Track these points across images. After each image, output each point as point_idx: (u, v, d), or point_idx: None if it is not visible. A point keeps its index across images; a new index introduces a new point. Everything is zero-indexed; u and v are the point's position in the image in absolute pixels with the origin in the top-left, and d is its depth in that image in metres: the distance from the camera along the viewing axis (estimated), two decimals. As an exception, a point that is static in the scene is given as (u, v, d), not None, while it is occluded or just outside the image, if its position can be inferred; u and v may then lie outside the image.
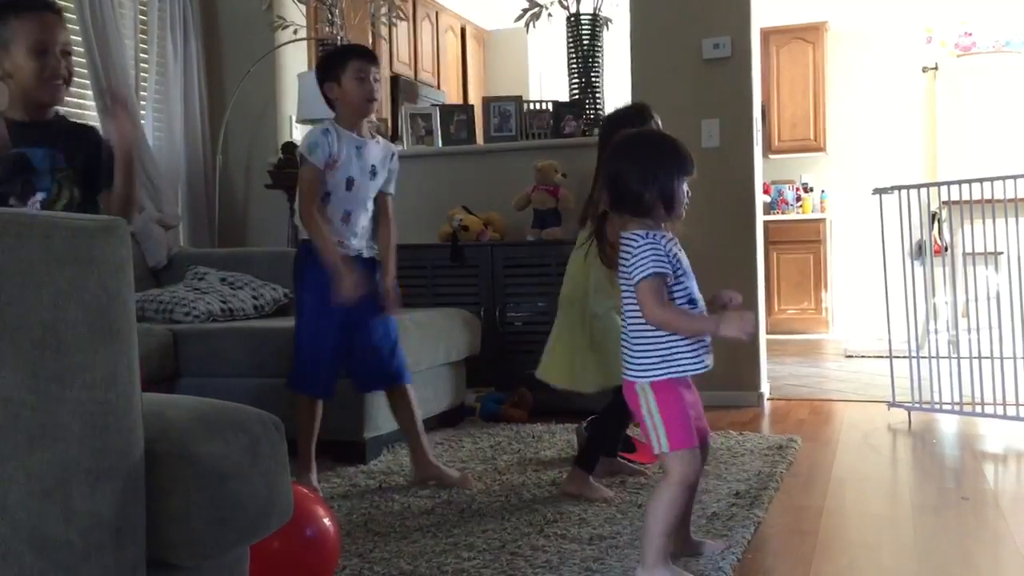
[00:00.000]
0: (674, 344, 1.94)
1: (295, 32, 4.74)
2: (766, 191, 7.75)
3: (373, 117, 3.25)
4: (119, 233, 1.03)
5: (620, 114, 2.87)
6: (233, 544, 1.19)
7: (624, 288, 1.98)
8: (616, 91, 5.22)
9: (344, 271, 2.66)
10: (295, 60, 4.94)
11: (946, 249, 5.05)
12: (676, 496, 1.94)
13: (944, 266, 4.63)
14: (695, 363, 1.96)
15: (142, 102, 4.35)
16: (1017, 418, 3.59)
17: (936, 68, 7.66)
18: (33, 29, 2.16)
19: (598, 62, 4.65)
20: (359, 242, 2.87)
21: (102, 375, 1.00)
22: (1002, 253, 4.48)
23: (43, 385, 0.94)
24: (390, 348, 2.88)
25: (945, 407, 3.80)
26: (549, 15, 4.77)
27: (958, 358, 3.81)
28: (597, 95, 4.66)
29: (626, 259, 1.94)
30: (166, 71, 4.52)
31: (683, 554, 2.12)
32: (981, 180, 3.68)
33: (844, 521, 2.52)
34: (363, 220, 2.86)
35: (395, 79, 6.26)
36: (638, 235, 1.94)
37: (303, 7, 4.83)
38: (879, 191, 3.94)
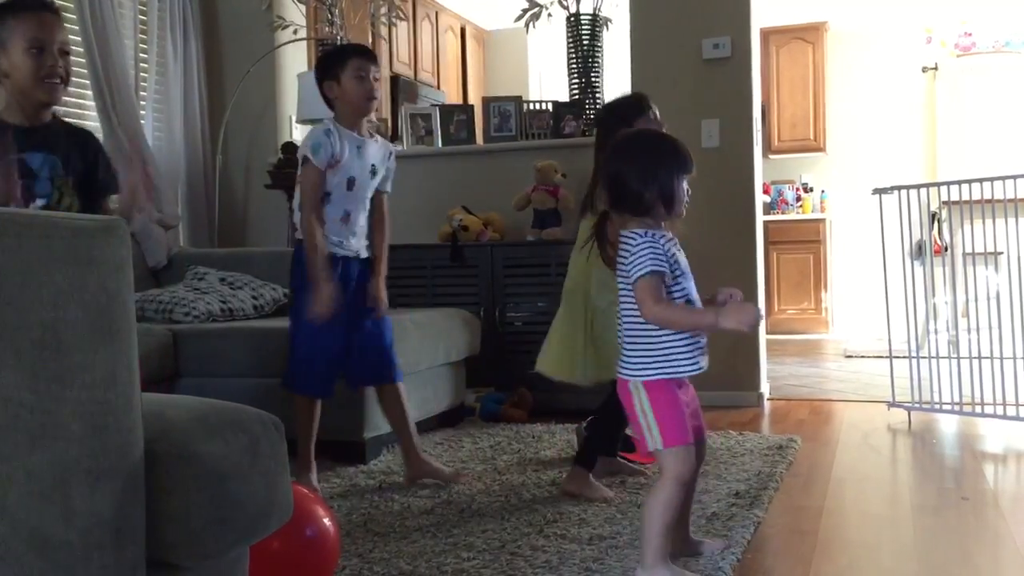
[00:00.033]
0: (669, 345, 1.94)
1: (295, 32, 4.74)
2: (766, 191, 7.75)
3: (373, 116, 3.25)
4: (119, 233, 1.03)
5: (619, 103, 2.89)
6: (233, 544, 1.19)
7: (621, 287, 1.98)
8: (616, 91, 5.21)
9: (324, 285, 2.67)
10: (295, 60, 4.94)
11: (946, 249, 5.05)
12: (671, 494, 1.94)
13: (944, 266, 4.63)
14: (690, 364, 1.96)
15: (142, 102, 4.35)
16: (1017, 418, 3.59)
17: (936, 68, 7.66)
18: (30, 28, 2.16)
19: (598, 62, 4.66)
20: (358, 242, 2.87)
21: (102, 375, 1.00)
22: (1002, 253, 4.48)
23: (43, 385, 0.94)
24: (383, 346, 2.89)
25: (945, 407, 3.80)
26: (549, 15, 4.77)
27: (958, 358, 3.81)
28: (597, 95, 4.66)
29: (624, 258, 1.95)
30: (166, 71, 4.52)
31: (683, 554, 2.12)
32: (981, 180, 3.68)
33: (844, 521, 2.52)
34: (361, 219, 2.87)
35: (395, 79, 6.26)
36: (637, 234, 1.94)
37: (303, 7, 4.83)
38: (879, 191, 3.94)
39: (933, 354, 3.93)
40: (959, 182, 3.79)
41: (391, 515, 2.53)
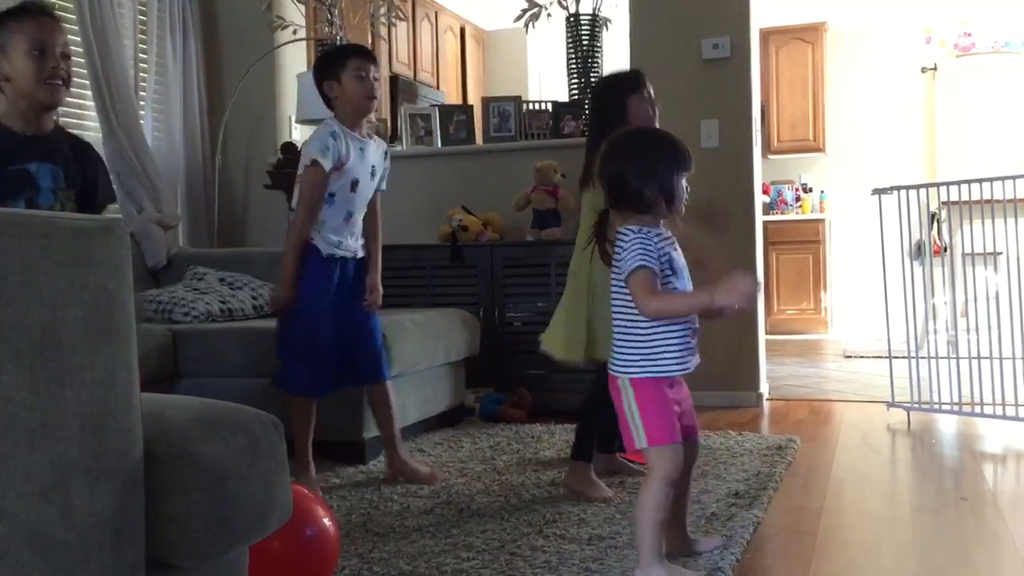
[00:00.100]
0: (659, 344, 1.94)
1: (294, 32, 4.74)
2: (765, 191, 7.75)
3: (373, 117, 3.26)
4: (118, 233, 1.03)
5: (616, 76, 2.95)
6: (232, 544, 1.19)
7: (615, 283, 1.98)
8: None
9: (289, 286, 2.76)
10: (294, 60, 4.94)
11: (945, 249, 5.05)
12: (659, 493, 1.94)
13: (943, 266, 4.63)
14: (678, 364, 1.96)
15: (141, 102, 4.35)
16: (1016, 418, 3.59)
17: (935, 68, 7.66)
18: (32, 30, 2.19)
19: (597, 62, 4.65)
20: (356, 242, 2.89)
21: (101, 375, 1.00)
22: (1001, 253, 4.48)
23: (42, 385, 0.94)
24: (375, 345, 2.91)
25: (944, 407, 3.80)
26: (548, 15, 4.77)
27: (957, 358, 3.81)
28: (596, 95, 4.65)
29: (618, 254, 1.95)
30: (165, 71, 4.51)
31: (682, 553, 2.12)
32: (980, 180, 3.69)
33: (843, 521, 2.52)
34: (360, 220, 2.89)
35: (394, 79, 6.25)
36: (631, 230, 1.95)
37: (302, 7, 4.83)
38: (878, 191, 3.95)
39: (932, 354, 3.93)
40: (958, 182, 3.79)
41: (390, 515, 2.53)
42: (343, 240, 2.82)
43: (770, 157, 7.74)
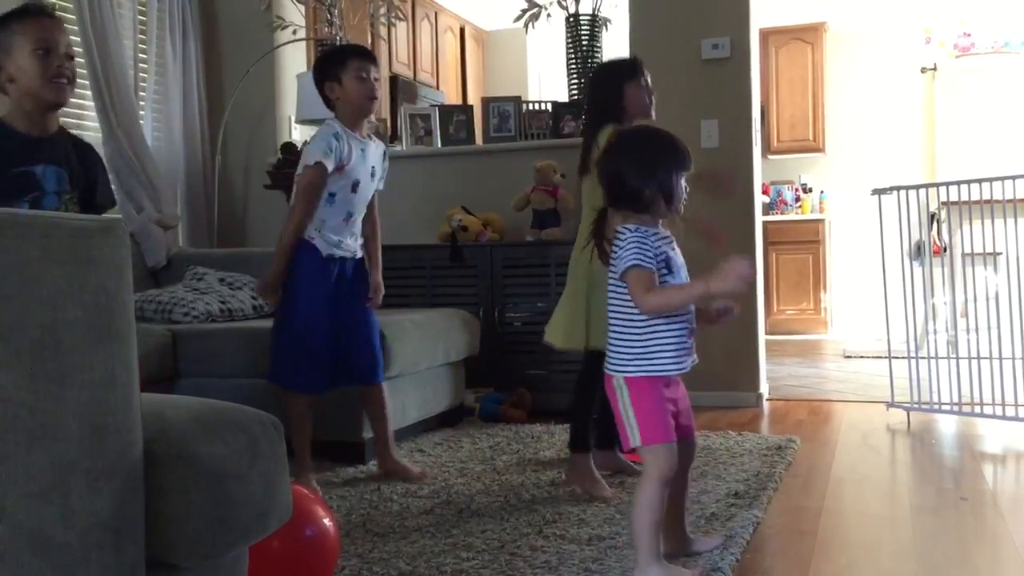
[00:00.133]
0: (655, 343, 1.95)
1: (294, 32, 4.73)
2: (765, 192, 7.75)
3: (373, 117, 3.26)
4: (118, 233, 1.03)
5: (614, 63, 2.96)
6: (232, 544, 1.19)
7: (611, 281, 1.98)
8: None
9: (278, 285, 2.78)
10: (294, 60, 4.94)
11: (945, 250, 5.06)
12: (654, 492, 1.93)
13: (943, 266, 4.63)
14: (674, 364, 1.97)
15: (141, 103, 4.35)
16: (1016, 418, 3.59)
17: (935, 69, 7.67)
18: (36, 31, 2.21)
19: (597, 62, 4.65)
20: (355, 243, 2.89)
21: (101, 375, 1.00)
22: (1001, 254, 4.48)
23: (42, 385, 0.94)
24: (370, 348, 2.92)
25: (944, 407, 3.80)
26: (548, 15, 4.77)
27: (957, 358, 3.81)
28: (596, 95, 4.65)
29: (615, 253, 1.96)
30: (165, 72, 4.51)
31: (681, 553, 2.12)
32: (980, 181, 3.69)
33: (843, 521, 2.52)
34: (359, 220, 2.89)
35: (394, 79, 6.25)
36: (628, 229, 1.95)
37: (302, 7, 4.83)
38: (878, 192, 3.95)
39: (932, 354, 3.93)
40: (958, 182, 3.79)
41: (390, 515, 2.53)
42: (343, 240, 2.83)
43: (770, 157, 7.74)
